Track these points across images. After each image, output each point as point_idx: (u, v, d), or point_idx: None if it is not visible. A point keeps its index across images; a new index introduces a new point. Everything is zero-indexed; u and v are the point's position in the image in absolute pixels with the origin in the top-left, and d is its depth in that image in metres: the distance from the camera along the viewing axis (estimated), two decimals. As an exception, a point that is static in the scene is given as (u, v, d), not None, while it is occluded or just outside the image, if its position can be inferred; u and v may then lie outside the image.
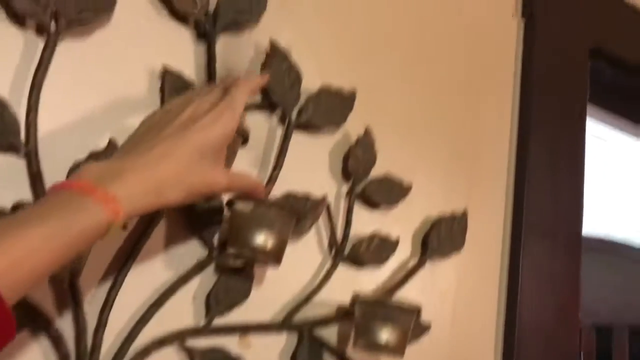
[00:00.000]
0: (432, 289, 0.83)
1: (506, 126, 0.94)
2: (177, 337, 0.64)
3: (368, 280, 0.77)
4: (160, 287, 0.64)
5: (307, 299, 0.71)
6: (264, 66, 0.71)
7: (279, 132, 0.73)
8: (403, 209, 0.81)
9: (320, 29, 0.78)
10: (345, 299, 0.72)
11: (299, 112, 0.73)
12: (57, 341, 0.57)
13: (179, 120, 0.54)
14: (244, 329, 0.68)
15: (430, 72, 0.87)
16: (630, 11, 1.09)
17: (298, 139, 0.74)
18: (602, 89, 1.20)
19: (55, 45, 0.61)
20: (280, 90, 0.71)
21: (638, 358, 2.15)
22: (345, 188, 0.77)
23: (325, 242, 0.75)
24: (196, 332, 0.65)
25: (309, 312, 0.72)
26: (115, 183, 0.48)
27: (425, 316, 0.80)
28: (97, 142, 0.62)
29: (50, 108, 0.61)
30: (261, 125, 0.72)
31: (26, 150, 0.59)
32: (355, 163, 0.76)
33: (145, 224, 0.63)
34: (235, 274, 0.67)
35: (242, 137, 0.64)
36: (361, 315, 0.69)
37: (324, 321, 0.72)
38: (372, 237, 0.77)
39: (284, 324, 0.70)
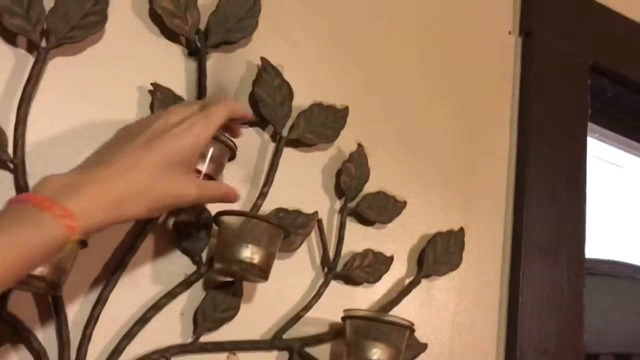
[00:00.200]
0: (429, 308, 0.81)
1: (504, 143, 0.93)
2: (164, 354, 0.63)
3: (361, 298, 0.76)
4: (146, 303, 0.63)
5: (297, 316, 0.70)
6: (256, 83, 0.71)
7: (270, 148, 0.73)
8: (397, 226, 0.80)
9: (312, 46, 0.78)
10: (337, 317, 0.71)
11: (290, 128, 0.73)
12: (39, 356, 0.57)
13: (150, 131, 0.54)
14: (233, 347, 0.67)
15: (426, 90, 0.87)
16: (631, 25, 1.09)
17: (289, 155, 0.74)
18: (621, 112, 1.19)
19: (44, 61, 0.62)
20: (271, 106, 0.71)
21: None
22: (337, 204, 0.76)
23: (317, 258, 0.74)
24: (183, 349, 0.64)
25: (299, 330, 0.71)
26: (74, 197, 0.47)
27: (422, 335, 0.78)
28: (85, 157, 0.62)
29: (40, 123, 0.61)
30: (252, 141, 0.72)
31: (14, 164, 0.59)
32: (348, 179, 0.76)
33: (132, 238, 0.63)
34: (223, 290, 0.66)
35: (230, 151, 0.64)
36: (352, 332, 0.68)
37: (315, 339, 0.71)
38: (365, 254, 0.76)
39: (274, 341, 0.69)
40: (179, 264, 0.66)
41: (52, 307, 0.58)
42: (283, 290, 0.71)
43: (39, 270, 0.51)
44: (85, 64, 0.65)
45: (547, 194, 0.93)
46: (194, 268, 0.66)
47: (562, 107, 0.98)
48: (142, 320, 0.62)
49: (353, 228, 0.77)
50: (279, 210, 0.71)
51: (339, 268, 0.74)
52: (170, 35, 0.69)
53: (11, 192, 0.59)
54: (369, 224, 0.78)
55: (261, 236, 0.62)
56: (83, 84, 0.65)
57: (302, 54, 0.77)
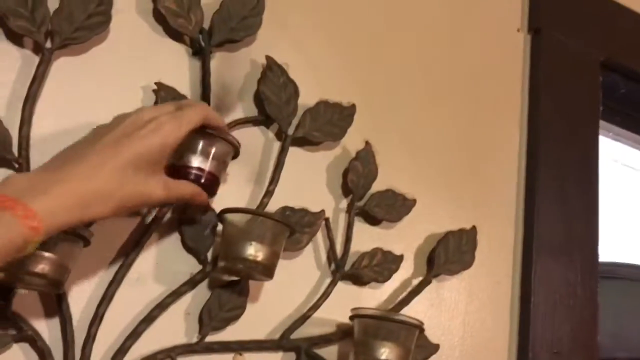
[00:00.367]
0: (438, 308, 0.80)
1: (514, 142, 0.92)
2: (169, 354, 0.62)
3: (370, 298, 0.75)
4: (152, 302, 0.63)
5: (305, 316, 0.69)
6: (261, 81, 0.71)
7: (275, 146, 0.73)
8: (405, 226, 0.79)
9: (318, 44, 0.78)
10: (345, 317, 0.70)
11: (296, 126, 0.72)
12: (43, 355, 0.57)
13: (119, 130, 0.53)
14: (239, 347, 0.66)
15: (434, 88, 0.86)
16: (641, 20, 1.07)
17: (295, 154, 0.73)
18: (635, 109, 1.17)
19: (49, 62, 0.62)
20: (276, 104, 0.71)
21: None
22: (344, 204, 0.76)
23: (325, 258, 0.73)
24: (189, 348, 0.63)
25: (307, 331, 0.70)
26: (38, 197, 0.46)
27: (431, 336, 0.77)
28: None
29: (45, 123, 0.62)
30: (256, 140, 0.72)
31: (18, 164, 0.59)
32: (355, 177, 0.75)
33: (137, 236, 0.63)
34: (229, 290, 0.66)
35: (234, 149, 0.63)
36: (360, 331, 0.67)
37: (323, 339, 0.70)
38: (374, 252, 0.75)
39: (281, 341, 0.68)
40: (184, 263, 0.65)
41: (57, 306, 0.58)
42: (290, 289, 0.70)
43: (39, 268, 0.51)
44: (90, 64, 0.65)
45: (558, 193, 0.91)
46: (199, 267, 0.65)
47: (572, 105, 0.97)
48: (147, 320, 0.62)
49: (360, 227, 0.76)
50: (285, 208, 0.70)
51: (347, 267, 0.73)
52: (174, 34, 0.69)
53: (16, 191, 0.59)
54: (376, 223, 0.77)
55: (265, 234, 0.61)
56: (88, 84, 0.65)
57: (307, 52, 0.77)
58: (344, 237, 0.74)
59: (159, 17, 0.68)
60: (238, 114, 0.71)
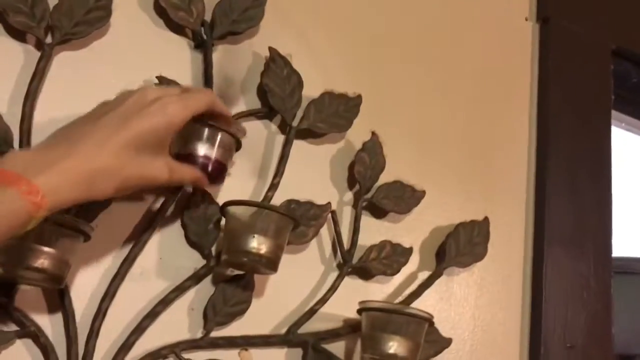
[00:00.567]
0: (447, 302, 0.78)
1: (524, 132, 0.90)
2: (173, 349, 0.61)
3: (378, 292, 0.74)
4: (155, 297, 0.62)
5: (312, 310, 0.68)
6: (264, 73, 0.70)
7: (279, 139, 0.72)
8: (413, 218, 0.78)
9: (321, 34, 0.77)
10: (352, 311, 0.69)
11: (301, 118, 0.71)
12: (46, 350, 0.56)
13: (123, 108, 0.52)
14: (245, 342, 0.65)
15: (441, 78, 0.85)
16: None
17: (300, 146, 0.72)
18: None
19: (50, 57, 0.62)
20: (280, 96, 0.70)
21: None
22: (350, 196, 0.75)
23: (331, 251, 0.72)
24: (193, 344, 0.63)
25: (314, 325, 0.69)
26: (42, 174, 0.46)
27: (442, 329, 0.76)
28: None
29: (46, 118, 0.61)
30: (259, 133, 0.71)
31: (19, 159, 0.58)
32: (362, 168, 0.74)
33: (140, 231, 0.62)
34: (234, 284, 0.65)
35: (240, 136, 0.63)
36: (368, 325, 0.66)
37: (331, 334, 0.69)
38: (382, 245, 0.74)
39: (288, 336, 0.67)
40: (188, 258, 0.64)
41: (59, 301, 0.58)
42: (296, 283, 0.69)
43: (39, 262, 0.51)
44: (91, 59, 0.65)
45: (569, 183, 0.90)
46: (203, 262, 0.65)
47: (583, 94, 0.95)
48: (151, 315, 0.61)
49: (367, 221, 0.75)
50: (290, 202, 0.69)
51: (354, 260, 0.72)
52: (176, 28, 0.69)
53: (17, 186, 0.58)
54: (383, 215, 0.76)
55: (269, 227, 0.61)
56: (89, 78, 0.64)
57: (311, 42, 0.76)
58: (350, 230, 0.73)
59: (160, 11, 0.68)
60: (241, 107, 0.70)
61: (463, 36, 0.88)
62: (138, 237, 0.62)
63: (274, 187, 0.69)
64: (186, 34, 0.69)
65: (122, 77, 0.65)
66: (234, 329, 0.65)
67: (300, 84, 0.71)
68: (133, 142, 0.51)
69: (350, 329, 0.70)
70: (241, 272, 0.65)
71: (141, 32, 0.67)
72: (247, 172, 0.70)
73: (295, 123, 0.71)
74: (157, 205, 0.64)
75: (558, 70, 0.93)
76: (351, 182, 0.75)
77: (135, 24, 0.67)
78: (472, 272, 0.81)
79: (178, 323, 0.63)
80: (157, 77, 0.66)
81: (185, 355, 0.62)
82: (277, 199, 0.69)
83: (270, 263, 0.61)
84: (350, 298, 0.70)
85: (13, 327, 0.56)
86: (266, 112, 0.71)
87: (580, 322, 0.86)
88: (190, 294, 0.64)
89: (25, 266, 0.51)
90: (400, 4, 0.84)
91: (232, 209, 0.61)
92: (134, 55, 0.66)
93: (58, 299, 0.58)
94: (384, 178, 0.75)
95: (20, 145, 0.59)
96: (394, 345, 0.63)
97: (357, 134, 0.75)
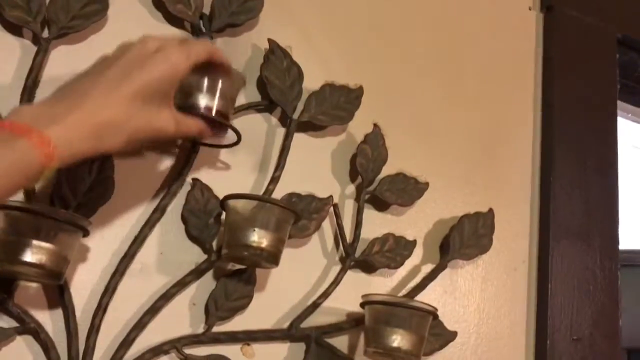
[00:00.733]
0: (452, 295, 0.78)
1: (528, 124, 0.89)
2: (175, 345, 0.61)
3: (381, 285, 0.73)
4: (156, 293, 0.62)
5: (315, 304, 0.68)
6: (263, 65, 0.69)
7: (279, 132, 0.71)
8: (417, 211, 0.77)
9: (322, 25, 0.76)
10: (356, 305, 0.68)
11: (301, 111, 0.71)
12: (47, 347, 0.56)
13: (126, 59, 0.51)
14: (247, 337, 0.64)
15: (444, 69, 0.84)
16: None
17: (301, 139, 0.72)
18: None
19: (47, 51, 0.61)
20: (280, 88, 0.69)
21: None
22: (352, 189, 0.74)
23: (334, 244, 0.72)
24: (195, 339, 0.62)
25: (316, 319, 0.68)
26: (52, 126, 0.46)
27: (446, 323, 0.75)
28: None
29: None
30: (259, 126, 0.70)
31: (17, 155, 0.58)
32: (364, 161, 0.73)
33: (140, 226, 0.62)
34: (235, 278, 0.64)
35: (242, 82, 0.63)
36: (371, 318, 0.65)
37: (334, 328, 0.68)
38: (385, 238, 0.73)
39: (291, 330, 0.66)
40: (188, 253, 0.64)
41: (59, 297, 0.57)
42: (298, 277, 0.69)
43: (37, 258, 0.50)
44: (89, 53, 0.64)
45: (575, 175, 0.89)
46: (204, 257, 0.64)
47: (588, 84, 0.94)
48: (152, 310, 0.61)
49: (370, 214, 0.74)
50: (291, 195, 0.69)
51: (357, 254, 0.71)
52: (174, 20, 0.68)
53: (15, 182, 0.58)
54: (386, 208, 0.75)
55: (269, 220, 0.60)
56: (87, 72, 0.63)
57: (311, 34, 0.75)
58: (353, 223, 0.72)
59: (158, 3, 0.67)
60: (241, 100, 0.69)
61: (466, 26, 0.87)
62: (138, 232, 0.61)
63: (274, 180, 0.68)
64: (185, 26, 0.69)
65: (120, 70, 0.65)
66: (236, 324, 0.64)
67: (300, 75, 0.71)
68: (139, 93, 0.50)
69: (353, 322, 0.69)
70: (242, 267, 0.65)
71: (139, 25, 0.66)
72: (248, 165, 0.69)
73: (295, 116, 0.70)
74: (157, 199, 0.63)
75: (563, 60, 0.92)
76: (353, 174, 0.74)
77: (132, 17, 0.66)
78: (477, 264, 0.80)
79: (179, 318, 0.62)
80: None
81: (186, 350, 0.61)
82: (278, 193, 0.68)
83: (271, 257, 0.60)
84: (353, 292, 0.69)
85: (13, 324, 0.56)
86: (266, 105, 0.70)
87: (586, 315, 0.85)
88: (192, 289, 0.64)
89: (24, 262, 0.50)
90: (401, -6, 0.83)
91: (233, 202, 0.61)
92: (131, 49, 0.66)
93: (58, 295, 0.58)
94: (387, 170, 0.74)
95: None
96: (398, 339, 0.63)
97: (358, 126, 0.74)
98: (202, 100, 0.58)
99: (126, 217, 0.62)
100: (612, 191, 0.92)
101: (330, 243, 0.71)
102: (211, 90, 0.59)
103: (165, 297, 0.61)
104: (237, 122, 0.67)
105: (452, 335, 0.75)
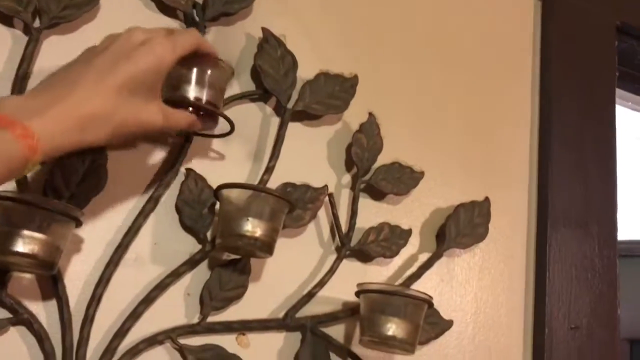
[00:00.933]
0: (448, 284, 0.77)
1: (526, 111, 0.88)
2: (169, 335, 0.61)
3: (377, 274, 0.73)
4: (150, 283, 0.62)
5: (310, 293, 0.68)
6: (257, 54, 0.69)
7: (274, 122, 0.70)
8: (413, 200, 0.77)
9: (316, 13, 0.75)
10: (352, 294, 0.68)
11: (296, 100, 0.70)
12: (40, 336, 0.56)
13: (111, 51, 0.51)
14: (242, 326, 0.64)
15: (440, 56, 0.83)
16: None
17: (296, 129, 0.71)
18: None
19: (38, 41, 0.61)
20: (274, 77, 0.69)
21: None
22: (347, 179, 0.74)
23: (329, 234, 0.71)
24: (190, 329, 0.62)
25: (312, 309, 0.68)
26: (36, 118, 0.45)
27: (443, 312, 0.75)
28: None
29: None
30: (254, 116, 0.70)
31: (9, 146, 0.58)
32: (359, 150, 0.72)
33: (134, 216, 0.62)
34: (230, 268, 0.64)
35: (231, 73, 0.62)
36: (367, 307, 0.65)
37: (330, 317, 0.68)
38: (380, 227, 0.73)
39: (286, 320, 0.66)
40: (183, 243, 0.64)
41: (53, 288, 0.57)
42: (293, 267, 0.69)
43: (29, 248, 0.50)
44: (81, 43, 0.62)
45: (573, 162, 0.88)
46: (198, 247, 0.64)
47: (586, 71, 0.93)
48: (146, 301, 0.60)
49: (365, 203, 0.73)
50: (286, 185, 0.68)
51: (352, 243, 0.71)
52: (167, 10, 0.68)
53: (8, 173, 0.58)
54: (382, 197, 0.75)
55: (263, 209, 0.60)
56: (79, 62, 0.63)
57: (305, 22, 0.74)
58: (348, 212, 0.72)
59: (151, -8, 0.67)
60: (235, 89, 0.69)
61: (463, 13, 0.86)
62: (132, 223, 0.61)
63: (269, 170, 0.68)
64: (177, 16, 0.68)
65: (112, 60, 0.64)
66: (231, 314, 0.64)
67: (294, 64, 0.70)
68: (125, 85, 0.50)
69: (349, 312, 0.69)
70: (237, 257, 0.65)
71: (131, 14, 0.66)
72: (242, 155, 0.69)
73: (290, 105, 0.70)
74: (151, 190, 0.63)
75: (561, 47, 0.91)
76: (349, 164, 0.74)
77: (125, 6, 0.66)
78: (474, 253, 0.80)
79: (174, 308, 0.62)
80: (148, 60, 0.65)
81: (181, 340, 0.61)
82: (273, 182, 0.68)
83: (266, 246, 0.60)
84: (349, 281, 0.69)
85: (6, 315, 0.56)
86: (260, 94, 0.70)
87: (584, 303, 0.84)
88: (186, 279, 0.63)
89: (16, 252, 0.50)
90: (396, -19, 0.82)
91: (226, 192, 0.60)
92: (124, 39, 0.65)
93: (52, 285, 0.57)
94: (382, 159, 0.74)
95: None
96: (393, 327, 0.63)
97: (354, 115, 0.74)
98: (191, 92, 0.58)
99: (120, 208, 0.62)
100: (610, 179, 0.92)
101: (325, 232, 0.71)
102: (200, 81, 0.58)
103: (160, 287, 0.61)
104: (231, 112, 0.67)
105: (448, 324, 0.75)
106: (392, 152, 0.75)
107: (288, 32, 0.72)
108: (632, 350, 1.56)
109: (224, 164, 0.67)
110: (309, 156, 0.72)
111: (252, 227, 0.59)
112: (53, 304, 0.58)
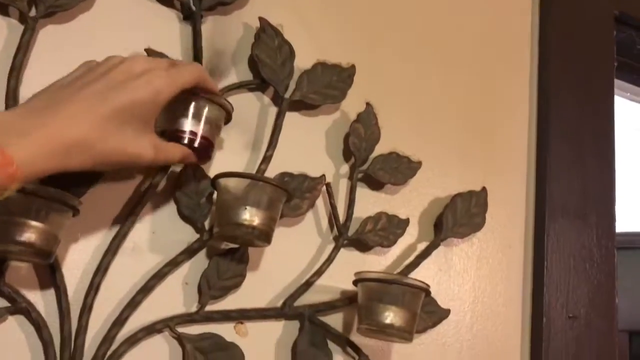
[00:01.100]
0: (446, 274, 0.77)
1: (524, 102, 0.88)
2: (168, 324, 0.61)
3: (374, 264, 0.73)
4: (148, 272, 0.62)
5: (308, 282, 0.68)
6: (254, 44, 0.69)
7: (271, 111, 0.70)
8: (410, 190, 0.77)
9: (313, 4, 0.75)
10: (349, 284, 0.68)
11: (293, 90, 0.70)
12: (38, 325, 0.56)
13: (108, 79, 0.50)
14: (240, 315, 0.65)
15: (438, 47, 0.83)
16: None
17: (293, 118, 0.71)
18: None
19: (34, 30, 0.61)
20: (271, 67, 0.69)
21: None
22: (345, 168, 0.74)
23: (327, 224, 0.71)
24: (188, 318, 0.62)
25: (310, 298, 0.68)
26: (18, 142, 0.44)
27: (441, 301, 0.75)
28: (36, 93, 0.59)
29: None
30: (251, 105, 0.70)
31: (6, 135, 0.58)
32: (357, 140, 0.72)
33: (131, 205, 0.62)
34: (228, 257, 0.64)
35: (226, 113, 0.61)
36: (364, 295, 0.65)
37: (328, 306, 0.68)
38: (378, 217, 0.73)
39: (284, 309, 0.66)
40: (180, 232, 0.64)
41: (50, 277, 0.57)
42: (291, 256, 0.69)
43: (26, 237, 0.50)
44: (78, 32, 0.64)
45: (572, 152, 0.88)
46: (196, 236, 0.64)
47: (585, 62, 0.93)
48: (145, 290, 0.60)
49: (363, 193, 0.73)
50: (283, 174, 0.68)
51: (350, 233, 0.71)
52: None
53: (5, 162, 0.58)
54: (379, 187, 0.75)
55: (261, 199, 0.60)
56: (76, 51, 0.62)
57: (302, 12, 0.74)
58: (346, 202, 0.72)
59: (147, -19, 0.66)
60: (232, 79, 0.69)
61: (461, 4, 0.86)
62: (130, 212, 0.61)
63: (267, 159, 0.68)
64: (174, 5, 0.68)
65: (109, 50, 0.63)
66: (229, 303, 0.64)
67: (292, 54, 0.70)
68: (116, 115, 0.49)
69: (347, 300, 0.69)
70: (235, 246, 0.65)
71: (128, 3, 0.66)
72: (240, 145, 0.69)
73: (287, 94, 0.70)
74: (149, 179, 0.63)
75: (559, 37, 0.91)
76: (346, 153, 0.74)
77: (121, -4, 0.66)
78: (472, 243, 0.80)
79: (172, 297, 0.62)
80: (145, 49, 0.65)
81: (179, 329, 0.61)
82: (271, 172, 0.68)
83: (263, 235, 0.60)
84: (347, 270, 0.69)
85: (4, 304, 0.56)
86: (258, 83, 0.70)
87: (582, 293, 0.85)
88: (184, 268, 0.63)
89: (12, 241, 0.50)
90: (394, -29, 0.82)
91: (224, 181, 0.60)
92: (121, 28, 0.65)
93: (49, 274, 0.58)
94: (380, 149, 0.74)
95: (7, 121, 0.58)
96: (391, 316, 0.63)
97: (351, 105, 0.74)
98: (187, 125, 0.57)
99: (117, 197, 0.62)
100: (609, 169, 0.92)
101: (323, 222, 0.71)
102: (197, 116, 0.57)
103: (158, 277, 0.61)
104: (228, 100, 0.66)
105: (446, 313, 0.75)
106: (389, 142, 0.75)
107: (285, 22, 0.71)
108: (632, 341, 1.57)
109: (222, 153, 0.67)
110: (307, 146, 0.72)
111: (250, 216, 0.59)
112: (51, 292, 0.58)
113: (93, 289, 0.58)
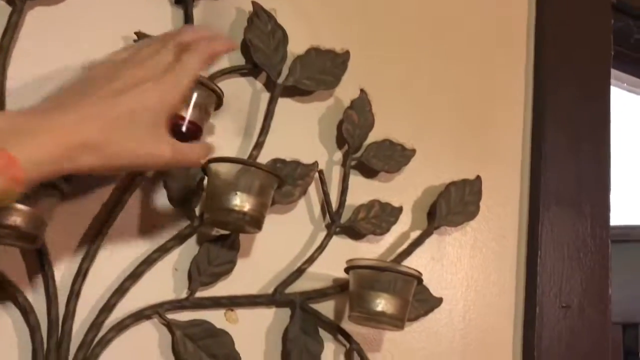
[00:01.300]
0: (440, 262, 0.77)
1: (520, 90, 0.88)
2: (157, 310, 0.60)
3: (367, 252, 0.72)
4: (137, 258, 0.61)
5: (299, 270, 0.67)
6: (247, 28, 0.68)
7: (264, 97, 0.70)
8: (404, 178, 0.76)
9: (307, -11, 0.74)
10: (341, 271, 0.67)
11: (286, 75, 0.69)
12: (25, 311, 0.55)
13: (117, 82, 0.49)
14: (231, 302, 0.64)
15: (434, 34, 0.82)
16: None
17: (286, 104, 0.70)
18: None
19: (22, 12, 0.60)
20: (264, 51, 0.68)
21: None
22: (338, 156, 0.73)
23: (319, 211, 0.71)
24: (178, 304, 0.62)
25: (301, 285, 0.67)
26: (22, 144, 0.43)
27: (434, 290, 0.74)
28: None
29: (20, 74, 0.59)
30: (244, 91, 0.69)
31: (-7, 118, 0.57)
32: (350, 127, 0.72)
33: (120, 191, 0.61)
34: (219, 244, 0.64)
35: (216, 98, 0.60)
36: (356, 282, 0.64)
37: (319, 293, 0.68)
38: (371, 204, 0.72)
39: (275, 296, 0.66)
40: (171, 218, 0.63)
41: (38, 262, 0.56)
42: (283, 243, 0.68)
43: (11, 220, 0.49)
44: (67, 14, 0.63)
45: (567, 141, 0.88)
46: (187, 222, 0.63)
47: (581, 51, 0.92)
48: (134, 276, 0.60)
49: (356, 180, 0.73)
50: (275, 160, 0.68)
51: (342, 220, 0.70)
52: (155, -19, 0.66)
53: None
54: (373, 175, 0.74)
55: (252, 184, 0.59)
56: (65, 34, 0.62)
57: (295, -3, 0.73)
58: (338, 189, 0.71)
59: (138, -36, 0.65)
60: (224, 63, 0.68)
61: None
62: (120, 197, 0.61)
63: (259, 145, 0.67)
64: (166, -12, 0.67)
65: (99, 33, 0.63)
66: (219, 289, 0.64)
67: (285, 39, 0.69)
68: (125, 119, 0.48)
69: (338, 288, 0.69)
70: (226, 232, 0.64)
71: (119, -14, 0.65)
72: (232, 130, 0.68)
73: (280, 80, 0.69)
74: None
75: (555, 26, 0.90)
76: (340, 140, 0.73)
77: (112, -22, 0.65)
78: (466, 232, 0.79)
79: (162, 283, 0.62)
80: (135, 33, 0.64)
81: (169, 315, 0.61)
82: (263, 158, 0.67)
83: (254, 221, 0.59)
84: (339, 258, 0.68)
85: (-10, 288, 0.55)
86: (250, 68, 0.69)
87: (576, 283, 0.84)
88: (174, 254, 0.63)
89: (-2, 224, 0.49)
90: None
91: (215, 166, 0.60)
92: (111, 11, 0.64)
93: (37, 259, 0.57)
94: (373, 136, 0.73)
95: (-5, 104, 0.57)
96: (382, 303, 0.62)
97: (345, 92, 0.73)
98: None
99: (107, 182, 0.61)
100: (604, 158, 0.91)
101: (316, 209, 0.71)
102: (184, 100, 0.56)
103: (147, 262, 0.61)
104: (220, 86, 0.65)
105: (438, 302, 0.74)
106: (383, 129, 0.74)
107: (279, 6, 0.71)
108: (625, 334, 1.57)
109: (213, 139, 0.66)
110: (299, 132, 0.71)
111: (241, 202, 0.58)
112: (39, 278, 0.57)
113: (81, 274, 0.58)
